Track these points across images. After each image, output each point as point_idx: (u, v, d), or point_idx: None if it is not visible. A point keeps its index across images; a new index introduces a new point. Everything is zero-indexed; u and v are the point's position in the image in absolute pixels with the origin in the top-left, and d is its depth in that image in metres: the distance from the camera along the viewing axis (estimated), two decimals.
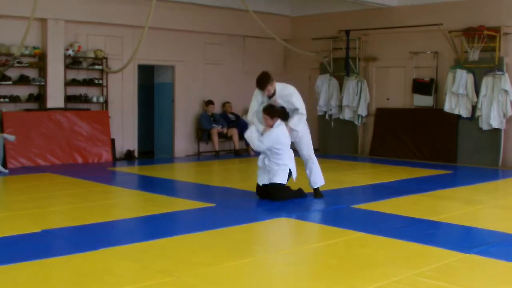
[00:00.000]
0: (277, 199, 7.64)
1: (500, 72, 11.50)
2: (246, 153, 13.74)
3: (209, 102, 13.67)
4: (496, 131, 11.72)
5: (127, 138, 12.77)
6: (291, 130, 7.78)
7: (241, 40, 14.51)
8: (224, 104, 14.14)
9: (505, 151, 11.78)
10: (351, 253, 5.27)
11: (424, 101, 12.85)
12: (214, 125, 13.53)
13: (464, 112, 11.99)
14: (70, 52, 11.70)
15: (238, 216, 6.77)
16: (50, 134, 11.34)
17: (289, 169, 7.75)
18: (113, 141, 12.19)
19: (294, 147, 7.90)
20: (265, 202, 7.80)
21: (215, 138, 13.46)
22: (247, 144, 13.93)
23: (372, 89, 13.72)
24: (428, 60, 12.78)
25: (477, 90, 11.81)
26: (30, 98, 11.44)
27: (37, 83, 11.47)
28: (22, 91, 11.38)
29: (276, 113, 7.68)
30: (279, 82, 7.94)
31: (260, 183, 7.83)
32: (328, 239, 5.74)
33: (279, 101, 7.73)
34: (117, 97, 12.54)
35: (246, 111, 14.52)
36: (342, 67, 13.72)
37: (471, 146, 12.08)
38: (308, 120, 15.98)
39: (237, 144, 13.77)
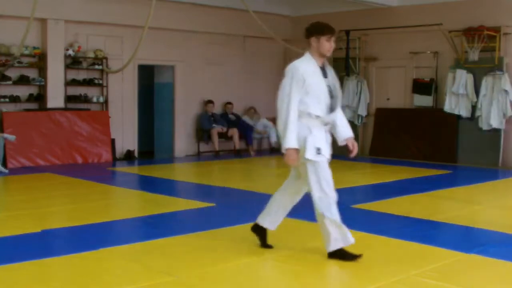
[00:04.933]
0: None
1: (500, 72, 11.50)
2: (246, 153, 13.73)
3: (209, 102, 13.67)
4: (496, 131, 11.72)
5: (127, 138, 12.76)
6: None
7: (241, 40, 14.51)
8: (225, 105, 14.13)
9: (505, 151, 11.78)
10: None
11: (424, 101, 12.85)
12: (214, 125, 13.52)
13: (464, 112, 11.99)
14: (70, 52, 11.70)
15: (238, 216, 6.77)
16: (50, 134, 11.34)
17: None
18: (113, 141, 12.19)
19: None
20: (265, 201, 7.80)
21: (215, 138, 13.46)
22: (247, 144, 13.95)
23: (372, 89, 13.72)
24: (428, 60, 12.77)
25: (477, 90, 11.82)
26: (30, 98, 11.43)
27: (37, 83, 11.47)
28: (22, 91, 11.37)
29: None
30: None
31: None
32: None
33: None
34: (117, 97, 12.54)
35: (246, 111, 14.58)
36: (342, 67, 13.70)
37: (471, 146, 12.08)
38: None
39: (237, 144, 13.76)
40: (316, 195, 4.89)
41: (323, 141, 4.94)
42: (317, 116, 4.89)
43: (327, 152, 4.95)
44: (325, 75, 4.98)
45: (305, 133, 4.85)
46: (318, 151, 4.87)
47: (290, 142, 4.80)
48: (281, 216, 5.32)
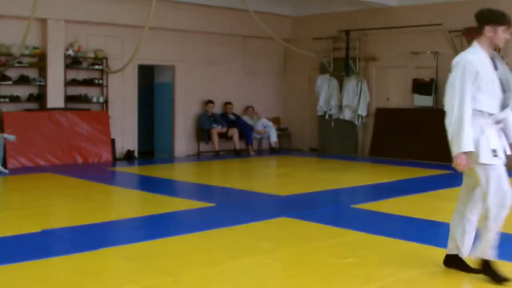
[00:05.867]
0: None
1: None
2: (246, 153, 13.73)
3: (209, 102, 13.68)
4: None
5: (127, 138, 12.76)
6: None
7: (241, 40, 14.51)
8: (225, 105, 14.13)
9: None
10: (351, 253, 5.27)
11: (424, 101, 12.84)
12: (214, 125, 13.53)
13: None
14: (70, 52, 11.70)
15: (238, 216, 6.77)
16: (50, 134, 11.34)
17: None
18: (113, 141, 12.19)
19: None
20: (265, 201, 7.79)
21: (215, 138, 13.46)
22: (247, 144, 13.95)
23: (372, 89, 13.71)
24: (428, 60, 12.76)
25: None
26: (30, 98, 11.43)
27: (37, 83, 11.47)
28: (22, 91, 11.37)
29: None
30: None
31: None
32: (328, 239, 5.74)
33: None
34: (117, 97, 12.53)
35: (246, 111, 14.58)
36: (342, 67, 13.71)
37: None
38: (308, 120, 15.78)
39: (237, 144, 13.76)
40: (491, 202, 4.35)
41: (498, 142, 4.40)
42: (490, 114, 4.38)
43: (502, 154, 4.38)
44: (495, 67, 4.53)
45: (477, 134, 4.35)
46: (494, 153, 4.34)
47: (466, 145, 4.33)
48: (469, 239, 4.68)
